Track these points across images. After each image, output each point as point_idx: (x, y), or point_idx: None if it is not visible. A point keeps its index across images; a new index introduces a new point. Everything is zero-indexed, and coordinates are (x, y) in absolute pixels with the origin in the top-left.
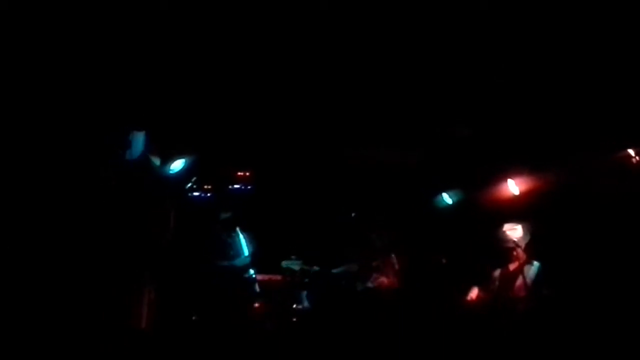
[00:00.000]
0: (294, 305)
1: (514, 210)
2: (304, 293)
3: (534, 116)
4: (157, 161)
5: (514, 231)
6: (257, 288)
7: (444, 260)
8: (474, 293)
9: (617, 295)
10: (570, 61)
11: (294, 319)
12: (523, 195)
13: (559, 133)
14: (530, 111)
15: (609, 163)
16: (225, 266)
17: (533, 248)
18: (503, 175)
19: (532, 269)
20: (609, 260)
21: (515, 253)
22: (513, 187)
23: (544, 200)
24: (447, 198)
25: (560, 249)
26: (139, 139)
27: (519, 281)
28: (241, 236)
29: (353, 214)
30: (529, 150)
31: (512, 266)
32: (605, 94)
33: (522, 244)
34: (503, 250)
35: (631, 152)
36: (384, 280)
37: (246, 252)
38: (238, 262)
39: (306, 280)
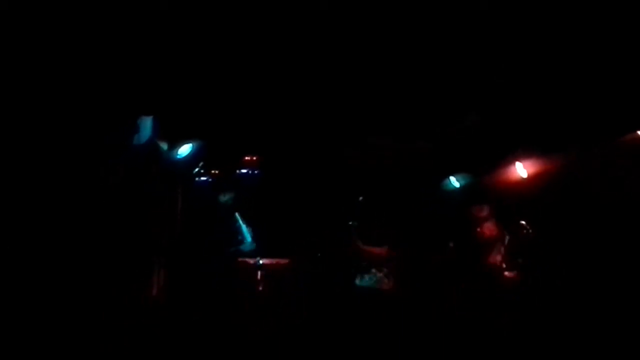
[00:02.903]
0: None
1: (523, 193)
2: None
3: (541, 99)
4: (164, 146)
5: (482, 211)
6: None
7: (451, 245)
8: None
9: (620, 276)
10: (580, 41)
11: (299, 303)
12: (532, 178)
13: (567, 116)
14: (538, 94)
15: (618, 145)
16: (231, 251)
17: (526, 226)
18: (512, 159)
19: (503, 244)
20: (614, 240)
21: (487, 231)
22: (521, 170)
23: (552, 183)
24: (454, 181)
25: (568, 230)
26: (146, 124)
27: (494, 253)
28: (241, 222)
29: (360, 198)
30: (537, 133)
31: (485, 241)
32: (613, 77)
33: (491, 222)
34: (471, 228)
35: None
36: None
37: (249, 238)
38: (244, 247)
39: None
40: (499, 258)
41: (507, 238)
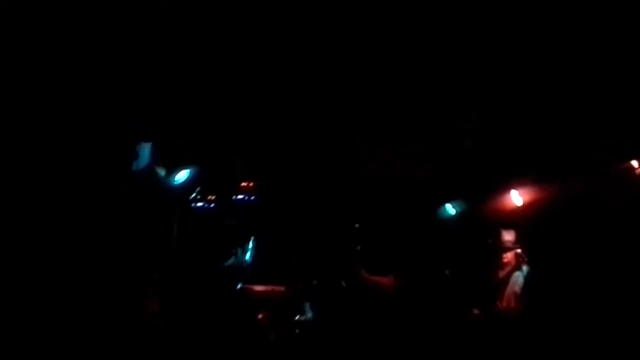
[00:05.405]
0: (297, 317)
1: (517, 220)
2: (307, 304)
3: (537, 126)
4: (162, 172)
5: (510, 235)
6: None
7: (447, 272)
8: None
9: (616, 304)
10: (574, 71)
11: (297, 331)
12: (527, 205)
13: (562, 144)
14: (534, 122)
15: (612, 174)
16: (227, 275)
17: (523, 255)
18: (507, 186)
19: (522, 275)
20: (609, 269)
21: (505, 259)
22: (516, 197)
23: (547, 210)
24: (450, 209)
25: (562, 259)
26: (145, 150)
27: (509, 290)
28: (252, 246)
29: (357, 225)
30: (532, 160)
31: (502, 273)
32: (608, 104)
33: (515, 249)
34: (495, 254)
35: (634, 163)
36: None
37: (249, 258)
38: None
39: (308, 291)
40: (516, 289)
41: (525, 270)
